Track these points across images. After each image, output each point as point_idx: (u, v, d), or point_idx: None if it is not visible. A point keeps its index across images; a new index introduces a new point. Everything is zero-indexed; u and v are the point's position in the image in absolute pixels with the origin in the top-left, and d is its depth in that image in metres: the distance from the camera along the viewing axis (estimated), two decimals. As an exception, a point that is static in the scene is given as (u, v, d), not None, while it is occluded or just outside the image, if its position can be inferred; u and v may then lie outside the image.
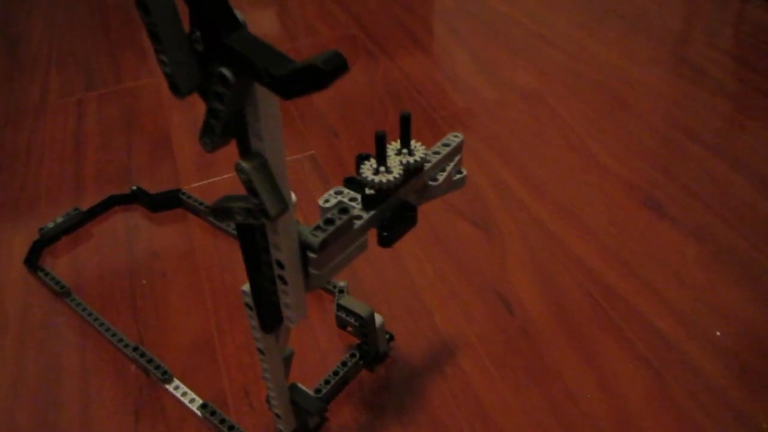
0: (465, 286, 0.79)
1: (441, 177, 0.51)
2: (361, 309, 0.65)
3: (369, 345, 0.68)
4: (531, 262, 0.82)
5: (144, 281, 0.83)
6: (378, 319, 0.67)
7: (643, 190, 0.92)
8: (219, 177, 1.00)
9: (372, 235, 0.49)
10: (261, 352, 0.51)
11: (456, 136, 0.52)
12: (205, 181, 0.99)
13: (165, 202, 0.94)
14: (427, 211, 0.91)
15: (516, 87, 1.17)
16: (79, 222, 0.92)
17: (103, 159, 1.06)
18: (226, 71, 0.32)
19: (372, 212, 0.46)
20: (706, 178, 0.93)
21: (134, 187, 0.95)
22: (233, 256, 0.86)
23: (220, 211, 0.39)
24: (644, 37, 1.30)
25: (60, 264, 0.87)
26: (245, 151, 0.37)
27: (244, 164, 0.36)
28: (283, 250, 0.41)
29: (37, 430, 0.67)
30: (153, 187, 0.96)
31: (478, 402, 0.67)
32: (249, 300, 0.46)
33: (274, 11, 1.53)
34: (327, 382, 0.66)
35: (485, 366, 0.70)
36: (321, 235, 0.42)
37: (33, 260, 0.86)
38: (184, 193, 0.93)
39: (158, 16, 0.31)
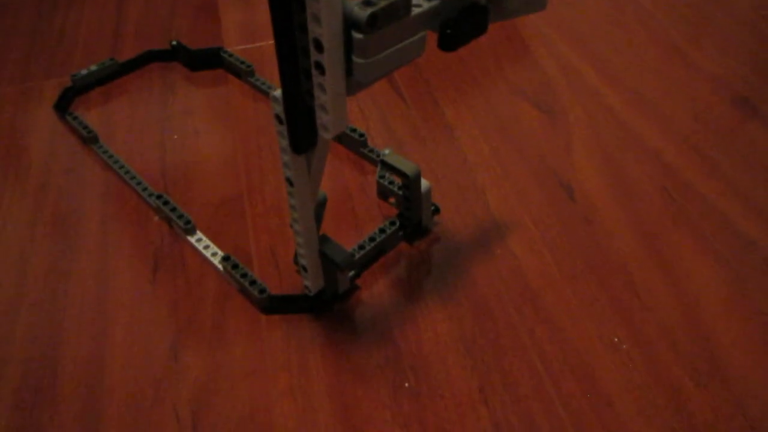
0: (523, 168, 0.71)
1: (520, -16, 0.42)
2: (407, 167, 0.57)
3: (412, 212, 0.60)
4: (598, 150, 0.73)
5: (175, 136, 0.77)
6: (425, 184, 0.59)
7: (734, 87, 0.81)
8: (265, 42, 0.93)
9: (431, 40, 0.41)
10: (290, 182, 0.44)
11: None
12: (250, 45, 0.92)
13: (205, 60, 0.87)
14: (487, 90, 0.82)
15: (597, -25, 1.05)
16: (113, 73, 0.86)
17: (146, 14, 0.99)
18: None
19: (435, 1, 0.38)
20: (810, 82, 0.82)
21: (174, 42, 0.88)
22: (271, 120, 0.79)
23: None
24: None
25: (91, 115, 0.82)
26: None
27: None
28: (323, 22, 0.33)
29: (49, 274, 0.63)
30: (195, 47, 0.90)
31: (529, 287, 0.59)
32: (279, 109, 0.39)
33: None
34: (361, 247, 0.59)
35: (539, 250, 0.63)
36: (370, 9, 0.33)
37: (63, 106, 0.81)
38: (225, 51, 0.86)
39: None
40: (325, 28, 0.33)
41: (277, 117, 0.40)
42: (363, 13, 0.33)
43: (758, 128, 0.75)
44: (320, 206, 0.50)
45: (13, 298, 0.61)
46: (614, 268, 0.61)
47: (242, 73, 0.84)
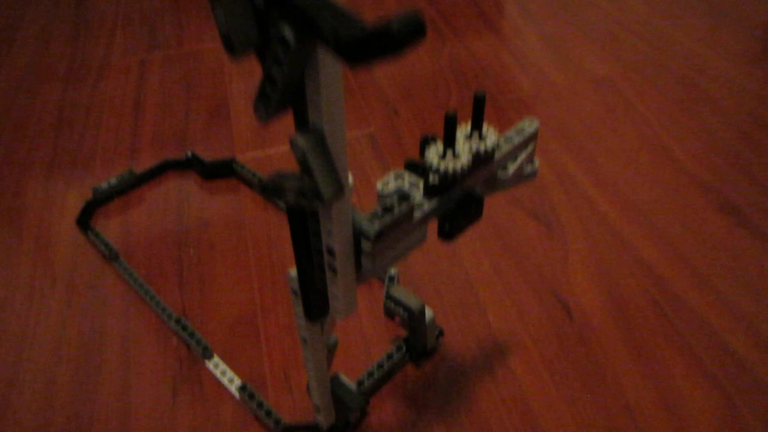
0: (522, 284, 0.75)
1: (512, 167, 0.47)
2: (412, 302, 0.61)
3: (417, 339, 0.64)
4: (594, 263, 0.77)
5: (192, 251, 0.82)
6: (428, 313, 0.63)
7: (722, 192, 0.85)
8: (275, 149, 0.98)
9: (432, 225, 0.45)
10: (304, 340, 0.48)
11: (531, 123, 0.48)
12: (261, 152, 0.97)
13: (219, 171, 0.92)
14: (487, 201, 0.86)
15: (588, 73, 1.11)
16: (132, 184, 0.91)
17: (161, 122, 1.05)
18: (286, 31, 0.28)
19: (434, 201, 0.43)
20: (793, 187, 0.86)
21: (189, 153, 0.93)
22: (283, 231, 0.84)
23: (271, 189, 0.36)
24: (732, 29, 1.22)
25: (111, 226, 0.86)
26: (302, 124, 0.34)
27: (300, 140, 0.33)
28: (336, 237, 0.37)
29: (76, 392, 0.66)
30: (208, 154, 0.95)
31: (529, 410, 0.63)
32: (295, 286, 0.43)
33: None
34: (370, 374, 0.63)
35: (538, 371, 0.66)
36: (377, 224, 0.38)
37: (85, 220, 0.86)
38: (237, 163, 0.91)
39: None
40: (336, 239, 0.38)
41: (293, 291, 0.44)
42: (371, 228, 0.38)
43: (745, 237, 0.79)
44: (331, 349, 0.54)
45: (41, 423, 0.64)
46: (610, 389, 0.64)
47: (253, 184, 0.89)
